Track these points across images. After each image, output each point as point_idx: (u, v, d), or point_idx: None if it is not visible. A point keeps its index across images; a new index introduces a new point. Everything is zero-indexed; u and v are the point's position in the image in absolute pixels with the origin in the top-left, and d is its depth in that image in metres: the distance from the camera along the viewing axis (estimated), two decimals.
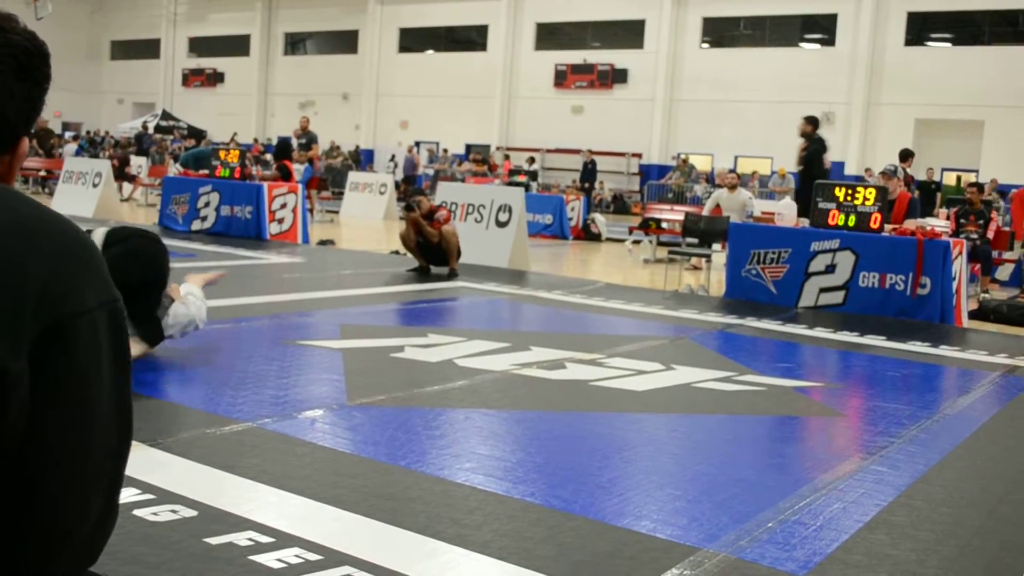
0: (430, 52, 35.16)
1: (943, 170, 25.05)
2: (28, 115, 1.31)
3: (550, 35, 32.31)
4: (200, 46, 41.15)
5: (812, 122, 11.95)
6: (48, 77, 1.32)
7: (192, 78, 40.93)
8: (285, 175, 15.12)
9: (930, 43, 26.34)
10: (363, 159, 32.00)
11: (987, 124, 24.74)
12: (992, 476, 4.21)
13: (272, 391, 4.82)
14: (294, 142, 20.00)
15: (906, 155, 13.88)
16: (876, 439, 4.64)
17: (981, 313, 9.67)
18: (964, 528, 3.45)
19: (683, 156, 28.78)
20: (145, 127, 30.27)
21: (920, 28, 26.14)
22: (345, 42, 36.88)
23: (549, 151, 31.15)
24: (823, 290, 9.12)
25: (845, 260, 9.01)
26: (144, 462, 3.56)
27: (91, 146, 28.99)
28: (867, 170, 23.87)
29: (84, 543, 1.23)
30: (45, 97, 1.33)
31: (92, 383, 1.20)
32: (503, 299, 8.93)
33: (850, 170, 25.93)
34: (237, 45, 39.39)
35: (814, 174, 11.25)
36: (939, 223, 9.89)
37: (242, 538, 2.91)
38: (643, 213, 17.88)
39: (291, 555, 2.81)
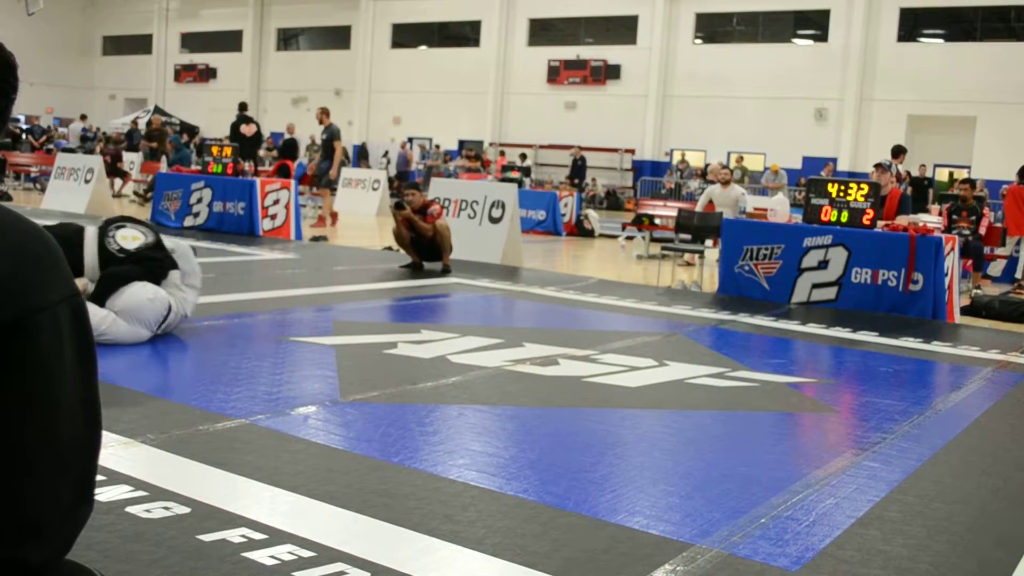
0: (423, 48, 35.12)
1: (935, 166, 25.09)
2: None
3: (543, 31, 32.28)
4: (192, 42, 41.05)
5: (324, 112, 15.39)
6: (15, 88, 1.32)
7: (184, 74, 40.82)
8: (284, 175, 15.11)
9: (923, 39, 26.37)
10: (354, 155, 31.88)
11: (979, 120, 24.78)
12: (984, 472, 4.22)
13: (265, 387, 4.81)
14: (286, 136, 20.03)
15: (898, 151, 13.93)
16: (869, 435, 4.65)
17: (973, 309, 9.69)
18: (956, 524, 3.46)
19: (680, 155, 28.82)
20: (136, 123, 30.16)
21: (913, 24, 26.18)
22: (338, 38, 36.83)
23: (542, 147, 31.13)
24: (816, 286, 9.14)
25: (838, 256, 9.03)
26: (137, 459, 3.55)
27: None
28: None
29: (56, 532, 1.24)
30: (12, 107, 1.33)
31: (56, 376, 1.20)
32: (496, 295, 8.93)
33: (843, 166, 25.96)
34: (229, 41, 39.30)
35: (326, 154, 15.42)
36: (931, 219, 9.90)
37: (235, 535, 2.90)
38: (636, 209, 17.87)
39: (284, 552, 2.81)
